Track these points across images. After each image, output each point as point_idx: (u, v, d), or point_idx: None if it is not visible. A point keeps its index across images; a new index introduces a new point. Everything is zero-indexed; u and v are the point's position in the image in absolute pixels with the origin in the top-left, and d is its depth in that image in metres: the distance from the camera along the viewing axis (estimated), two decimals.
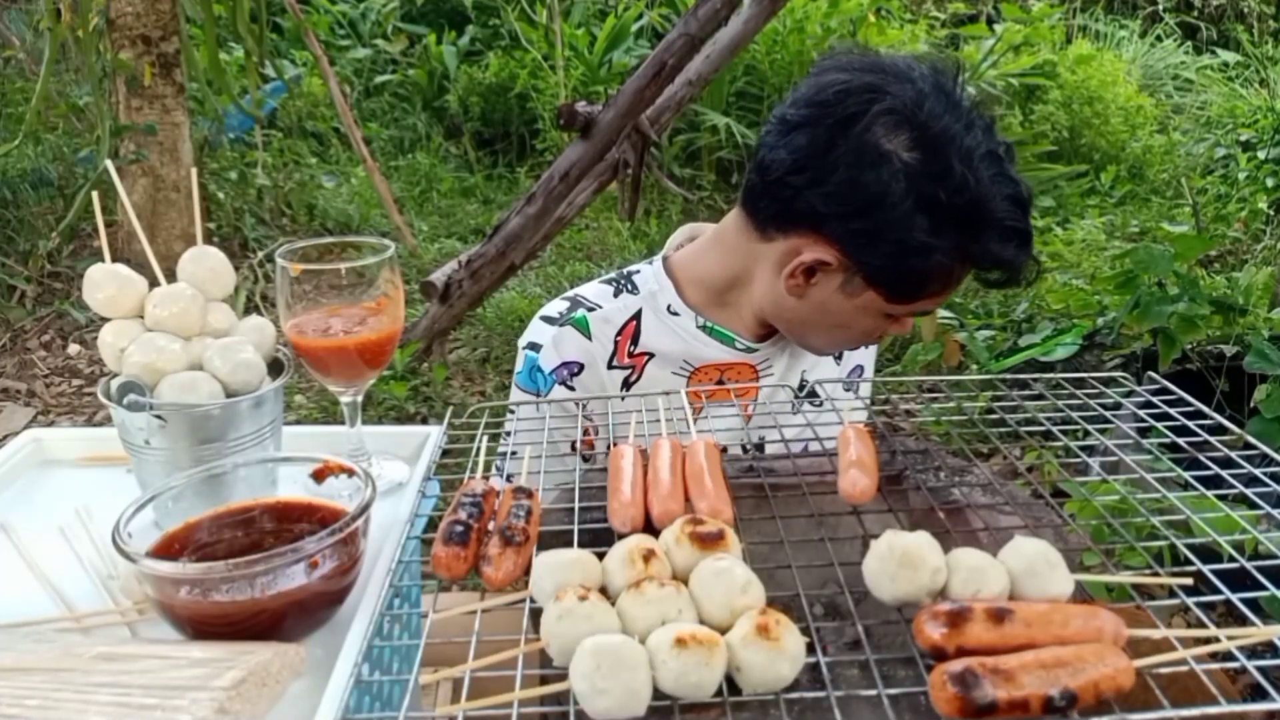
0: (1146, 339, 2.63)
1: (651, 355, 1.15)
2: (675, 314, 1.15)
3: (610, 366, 1.16)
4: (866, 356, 1.33)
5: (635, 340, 1.16)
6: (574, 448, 1.05)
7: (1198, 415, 0.86)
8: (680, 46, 2.68)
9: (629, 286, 1.19)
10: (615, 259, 4.44)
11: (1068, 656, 0.53)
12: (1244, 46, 6.71)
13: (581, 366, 1.15)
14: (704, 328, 1.15)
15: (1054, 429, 0.86)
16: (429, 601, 0.64)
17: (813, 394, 1.18)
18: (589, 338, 1.16)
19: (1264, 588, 0.63)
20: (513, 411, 1.05)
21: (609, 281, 1.21)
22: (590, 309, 1.17)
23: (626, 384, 1.16)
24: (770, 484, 0.78)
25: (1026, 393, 0.92)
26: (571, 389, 1.15)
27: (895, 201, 0.96)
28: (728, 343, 1.15)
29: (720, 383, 1.15)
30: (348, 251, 0.87)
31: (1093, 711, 0.51)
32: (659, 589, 0.58)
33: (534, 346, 1.17)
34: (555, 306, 1.20)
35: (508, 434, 0.97)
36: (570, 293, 1.21)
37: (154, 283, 0.84)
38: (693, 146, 5.42)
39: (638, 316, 1.16)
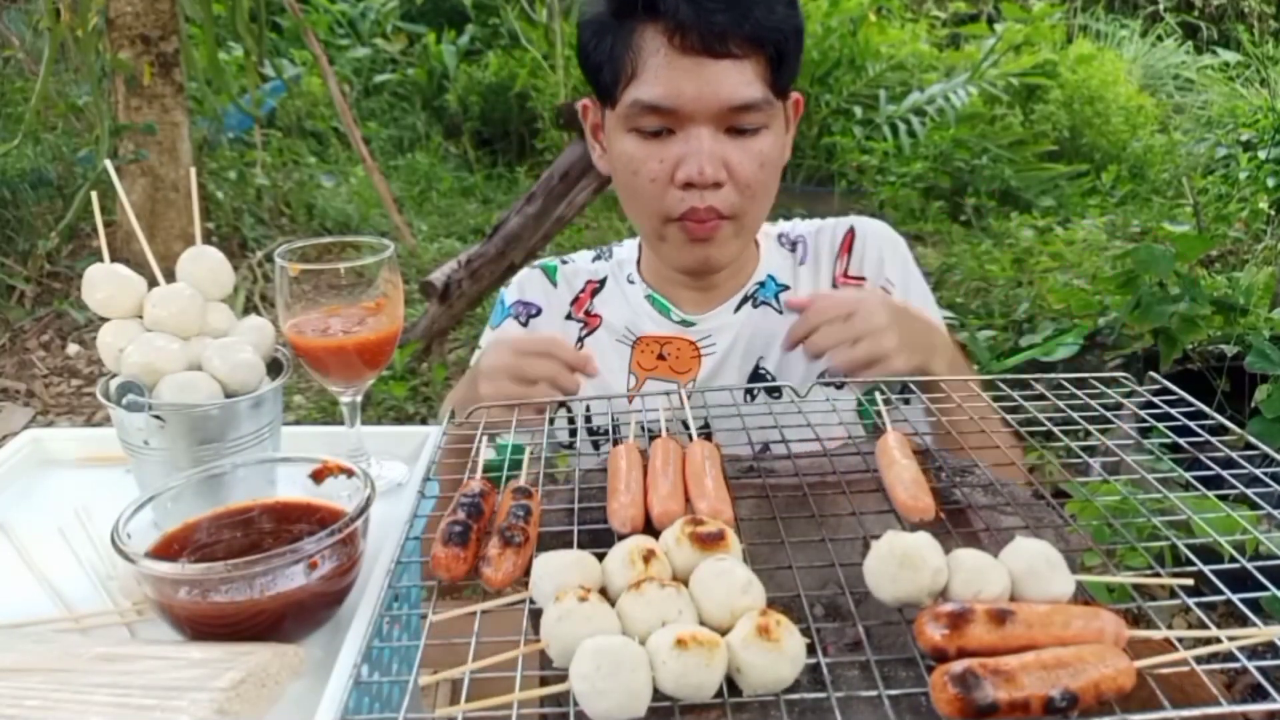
0: (1148, 339, 2.63)
1: (601, 319, 1.20)
2: (631, 283, 1.20)
3: (568, 318, 1.21)
4: None
5: (593, 299, 1.21)
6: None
7: (1199, 415, 0.85)
8: None
9: (607, 254, 1.25)
10: None
11: (1068, 657, 0.52)
12: (1244, 46, 6.71)
13: (540, 310, 1.22)
14: (648, 297, 1.18)
15: (1055, 429, 0.86)
16: (428, 602, 0.64)
17: (775, 390, 1.11)
18: (554, 284, 1.23)
19: (1265, 588, 0.62)
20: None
21: (596, 249, 1.28)
22: (565, 262, 1.25)
23: (580, 340, 1.20)
24: (771, 484, 0.78)
25: (1027, 393, 0.92)
26: (524, 326, 1.21)
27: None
28: (664, 313, 1.17)
29: (661, 357, 1.16)
30: (347, 251, 0.87)
31: (1093, 712, 0.51)
32: (659, 590, 0.58)
33: (507, 285, 1.26)
34: (541, 259, 1.28)
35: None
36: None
37: (153, 283, 0.84)
38: None
39: (603, 282, 1.22)
